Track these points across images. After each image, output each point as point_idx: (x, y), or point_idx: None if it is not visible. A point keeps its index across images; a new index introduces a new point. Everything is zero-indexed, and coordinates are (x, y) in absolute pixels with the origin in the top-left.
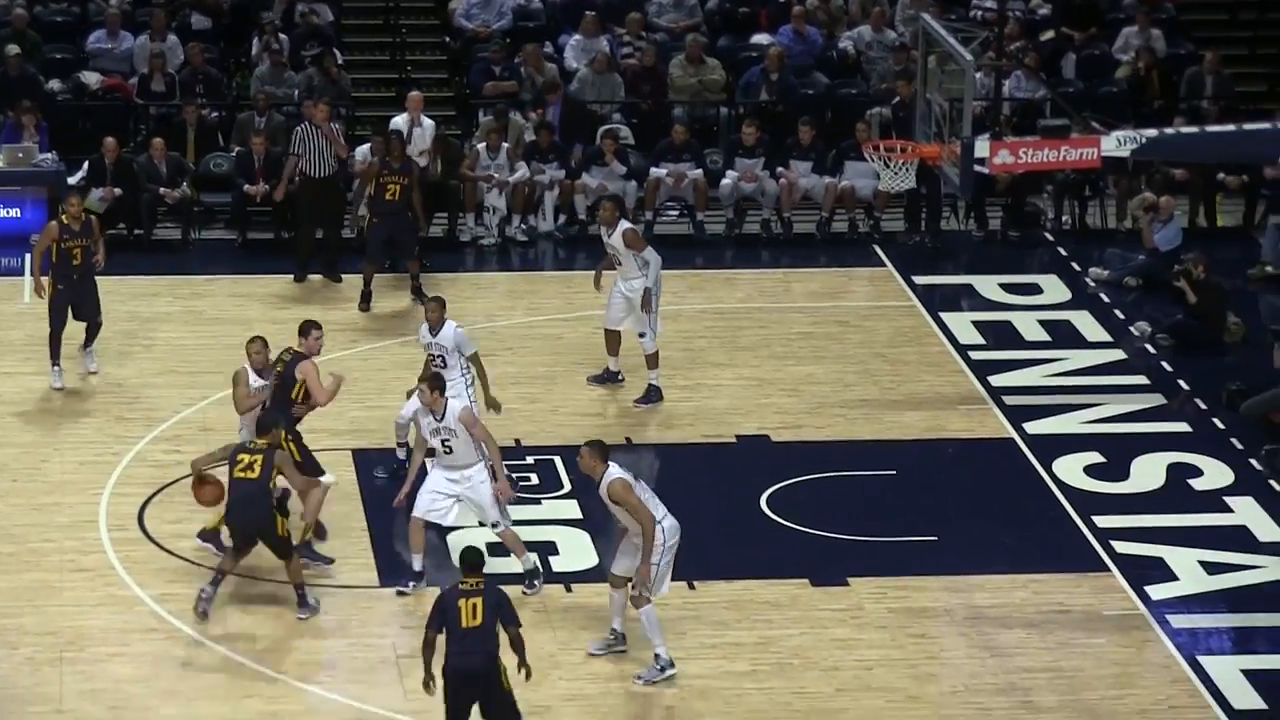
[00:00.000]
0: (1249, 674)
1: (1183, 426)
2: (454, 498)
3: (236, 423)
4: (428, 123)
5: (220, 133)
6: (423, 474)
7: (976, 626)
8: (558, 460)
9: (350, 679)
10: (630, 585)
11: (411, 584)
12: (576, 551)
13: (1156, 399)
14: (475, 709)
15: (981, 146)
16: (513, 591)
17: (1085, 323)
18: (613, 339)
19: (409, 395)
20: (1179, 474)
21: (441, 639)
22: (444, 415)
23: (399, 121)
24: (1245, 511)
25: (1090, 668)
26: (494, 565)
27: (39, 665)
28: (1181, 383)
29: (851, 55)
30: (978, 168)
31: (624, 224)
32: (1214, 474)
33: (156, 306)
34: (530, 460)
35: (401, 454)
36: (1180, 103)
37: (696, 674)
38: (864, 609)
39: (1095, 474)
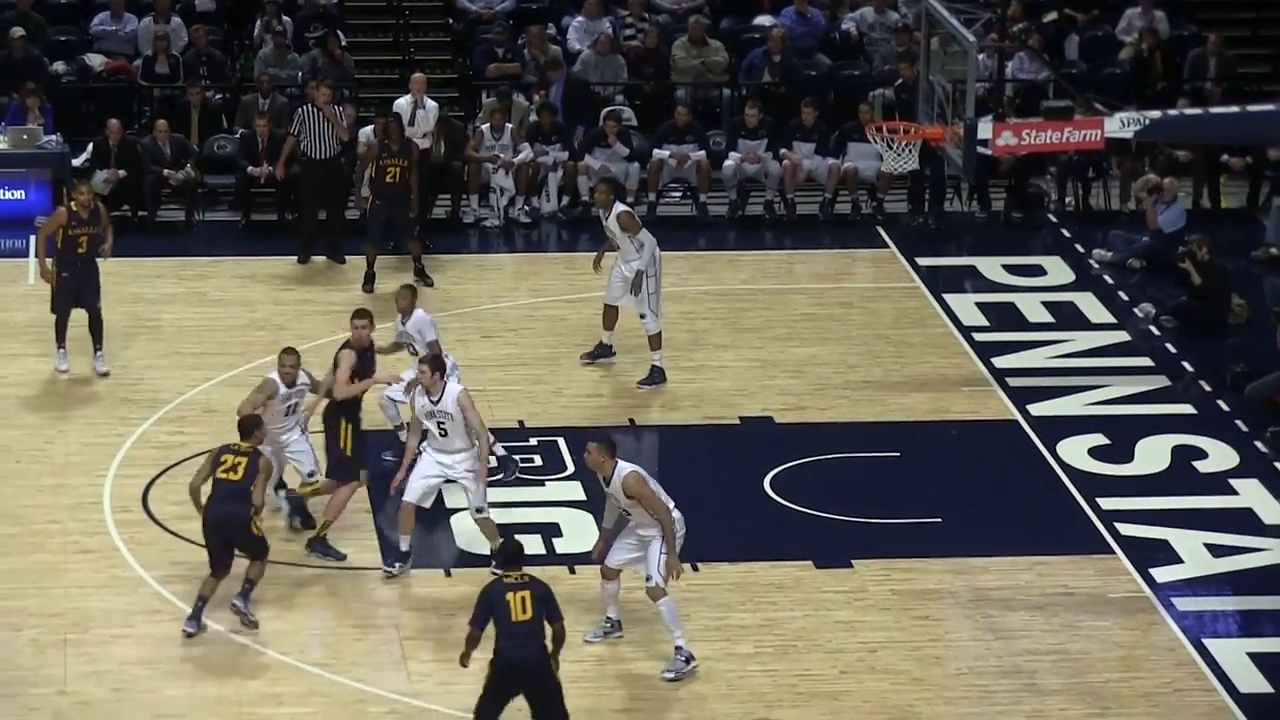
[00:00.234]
0: (1255, 657)
1: (1187, 408)
2: (442, 479)
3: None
4: (431, 104)
5: (224, 114)
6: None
7: (981, 609)
8: (561, 442)
9: (354, 661)
10: (647, 578)
11: (398, 565)
12: (580, 534)
13: (1161, 381)
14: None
15: (984, 128)
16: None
17: (1089, 304)
18: (610, 314)
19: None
20: (1184, 456)
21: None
22: (441, 398)
23: (402, 103)
24: (1250, 494)
25: (1095, 650)
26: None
27: (43, 647)
28: (1186, 364)
29: (854, 36)
30: (981, 149)
31: (619, 206)
32: (1219, 456)
33: (160, 288)
34: (534, 442)
35: (403, 435)
36: (1183, 84)
37: (700, 656)
38: (868, 591)
39: (1100, 456)
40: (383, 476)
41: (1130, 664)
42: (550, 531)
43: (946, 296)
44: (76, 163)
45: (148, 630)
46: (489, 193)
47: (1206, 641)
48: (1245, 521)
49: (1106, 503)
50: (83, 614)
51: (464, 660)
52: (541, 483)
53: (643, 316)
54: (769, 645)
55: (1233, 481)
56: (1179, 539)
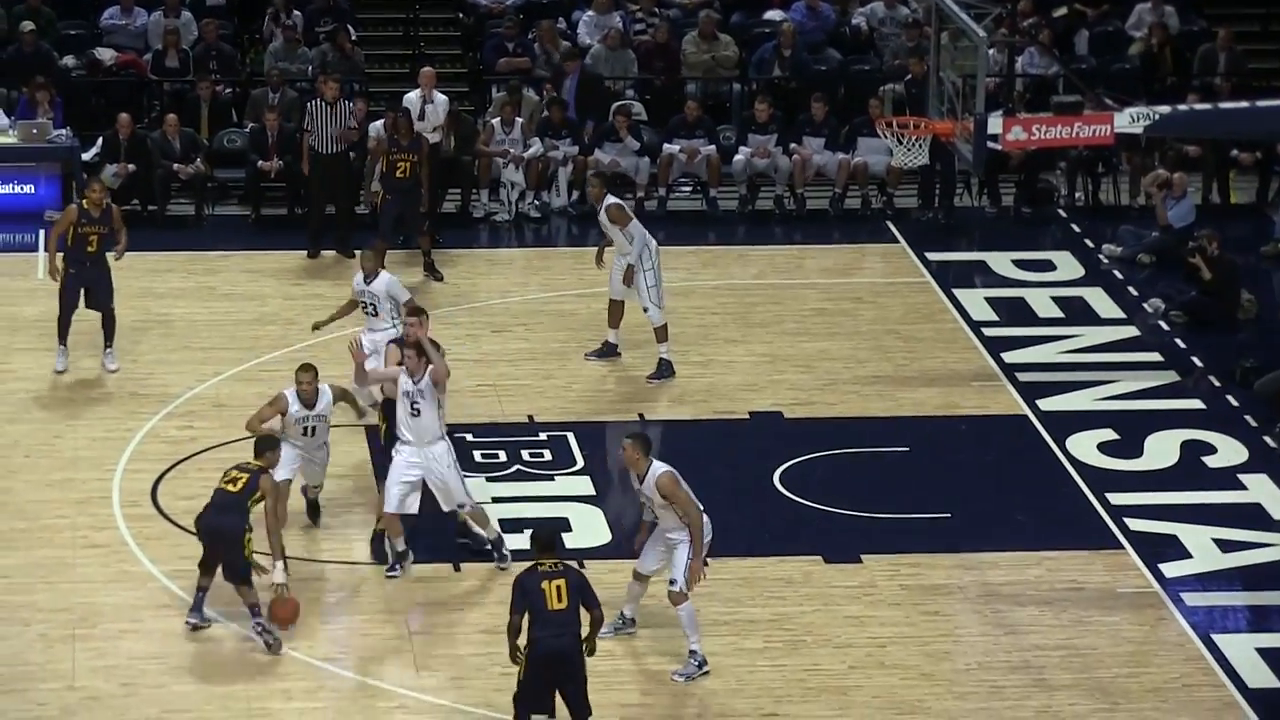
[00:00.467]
0: (1263, 652)
1: (1196, 404)
2: (419, 478)
3: (246, 399)
4: (440, 98)
5: (234, 109)
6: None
7: (990, 604)
8: (570, 436)
9: (363, 656)
10: (670, 581)
11: (398, 567)
12: (590, 528)
13: (1170, 376)
14: None
15: (994, 123)
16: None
17: (1098, 299)
18: (615, 310)
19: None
20: (1193, 451)
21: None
22: (422, 378)
23: (411, 97)
24: (1259, 489)
25: (1104, 646)
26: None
27: (51, 642)
28: (1195, 360)
29: (864, 31)
30: (991, 144)
31: (609, 199)
32: (1228, 451)
33: (170, 282)
34: (543, 436)
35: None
36: (1193, 79)
37: (709, 651)
38: (877, 586)
39: (1109, 451)
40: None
41: (1139, 659)
42: (560, 526)
43: (956, 291)
44: (86, 157)
45: (156, 625)
46: (499, 187)
47: (1215, 637)
48: (1254, 517)
49: (1115, 498)
50: (91, 609)
51: (513, 655)
52: (551, 477)
53: (646, 310)
54: (778, 640)
55: (1242, 477)
56: (1188, 534)
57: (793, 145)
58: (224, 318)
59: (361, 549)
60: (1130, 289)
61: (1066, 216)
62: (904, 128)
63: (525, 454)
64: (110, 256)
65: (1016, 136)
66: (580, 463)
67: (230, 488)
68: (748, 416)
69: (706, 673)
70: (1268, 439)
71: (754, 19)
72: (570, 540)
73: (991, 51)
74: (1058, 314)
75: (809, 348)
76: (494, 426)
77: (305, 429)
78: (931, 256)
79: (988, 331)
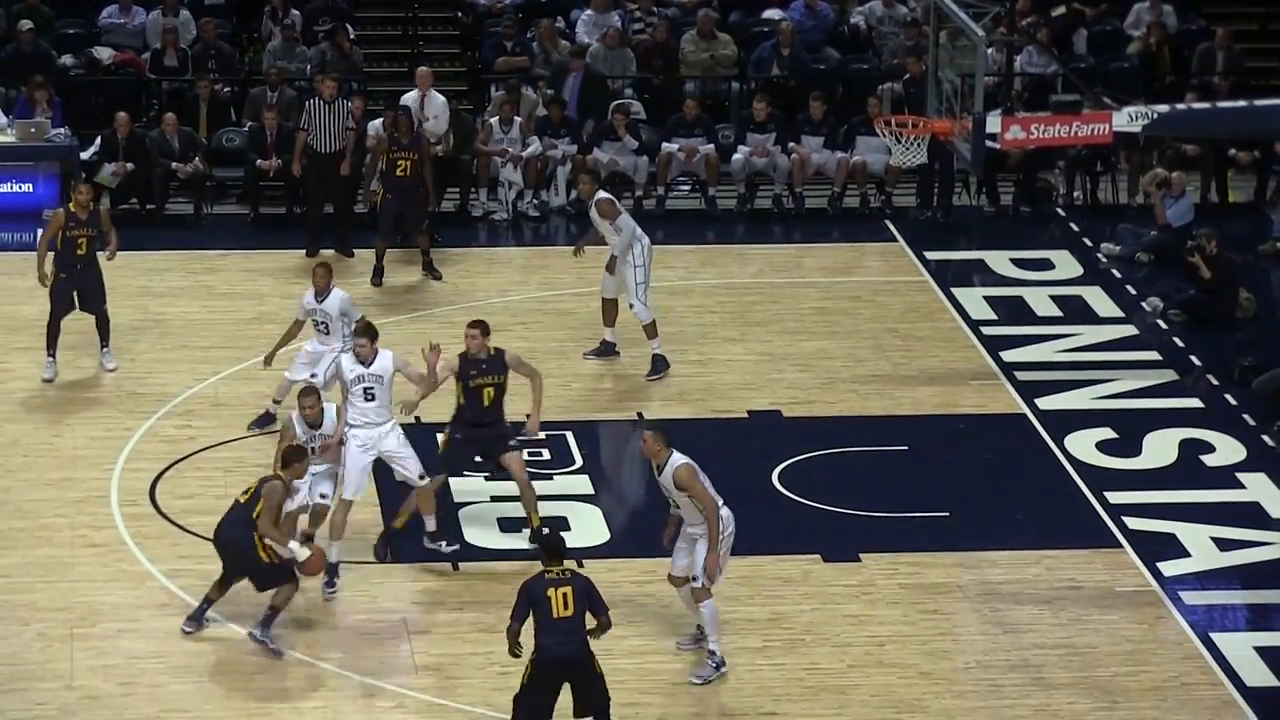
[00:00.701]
0: (1262, 651)
1: (1195, 402)
2: (373, 456)
3: (244, 398)
4: (438, 97)
5: (232, 108)
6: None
7: (989, 603)
8: (569, 435)
9: (362, 655)
10: (692, 578)
11: (337, 581)
12: (588, 528)
13: (1169, 375)
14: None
15: (993, 122)
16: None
17: (1097, 298)
18: (609, 309)
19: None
20: (1191, 450)
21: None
22: (373, 362)
23: (410, 98)
24: (1257, 487)
25: (1103, 644)
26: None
27: (50, 641)
28: (1193, 358)
29: (863, 30)
30: (989, 143)
31: (600, 194)
32: (1226, 450)
33: (168, 281)
34: (542, 435)
35: (275, 409)
36: (1192, 78)
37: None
38: (876, 585)
39: (1107, 450)
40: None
41: (1138, 658)
42: (559, 525)
43: (955, 290)
44: (85, 156)
45: (155, 624)
46: (497, 186)
47: (1214, 635)
48: (1252, 515)
49: (1114, 497)
50: (90, 608)
51: (513, 653)
52: (550, 476)
53: (631, 305)
54: (777, 639)
55: (1240, 475)
56: (1186, 533)
57: (791, 144)
58: (223, 317)
59: (361, 547)
60: (1129, 288)
61: (1065, 215)
62: (902, 127)
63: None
64: (102, 257)
65: (1015, 135)
66: (579, 461)
67: (242, 498)
68: (746, 415)
69: (724, 674)
70: (1266, 438)
71: (753, 18)
72: (569, 540)
73: (990, 50)
74: (1056, 313)
75: (808, 347)
76: None
77: (312, 449)
78: (930, 255)
79: (986, 330)
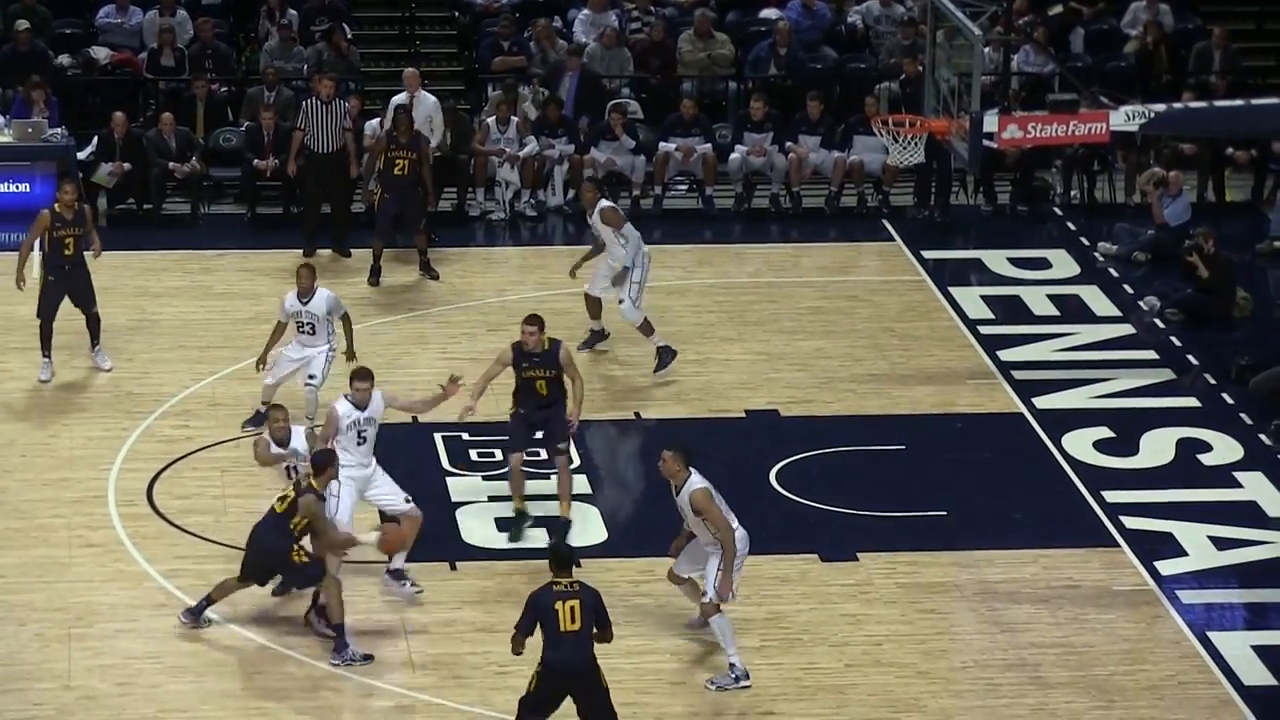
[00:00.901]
0: (1259, 649)
1: (1192, 401)
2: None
3: (242, 398)
4: (428, 98)
5: (229, 107)
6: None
7: (986, 602)
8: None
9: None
10: (703, 594)
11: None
12: (585, 527)
13: (1166, 374)
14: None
15: (990, 121)
16: None
17: (1094, 297)
18: (593, 304)
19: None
20: (1188, 449)
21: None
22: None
23: (399, 100)
24: (1254, 486)
25: (1100, 643)
26: None
27: (47, 641)
28: (1190, 358)
29: (860, 30)
30: (986, 142)
31: (603, 203)
32: (1223, 449)
33: (165, 281)
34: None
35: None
36: (1188, 77)
37: (705, 649)
38: (873, 584)
39: (1104, 449)
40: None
41: (1135, 657)
42: (557, 525)
43: (952, 289)
44: (81, 156)
45: (152, 624)
46: (494, 186)
47: (1211, 634)
48: (1249, 514)
49: (1111, 496)
50: (87, 608)
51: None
52: (547, 476)
53: (621, 302)
54: (775, 639)
55: (1237, 474)
56: (1183, 532)
57: (788, 143)
58: (219, 317)
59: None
60: (1126, 287)
61: (1062, 215)
62: (900, 126)
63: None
64: (89, 256)
65: (1012, 135)
66: (576, 461)
67: (279, 506)
68: (744, 415)
69: (746, 687)
70: (1263, 437)
71: (750, 17)
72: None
73: (987, 50)
74: (1053, 312)
75: (805, 346)
76: (490, 425)
77: (287, 469)
78: (927, 255)
79: (983, 329)
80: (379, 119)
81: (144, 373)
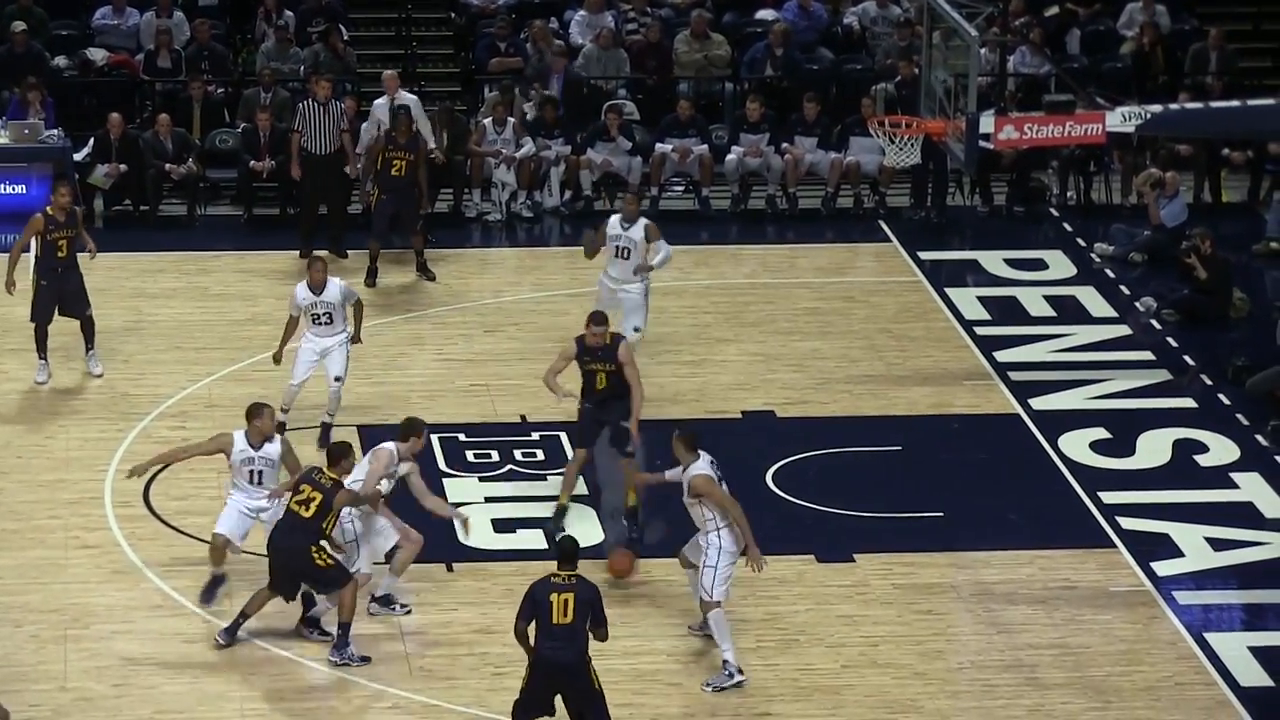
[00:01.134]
0: (1256, 650)
1: (1189, 402)
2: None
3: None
4: (409, 98)
5: (226, 109)
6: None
7: (983, 603)
8: (563, 436)
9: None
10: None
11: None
12: (582, 528)
13: (1162, 375)
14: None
15: (986, 122)
16: None
17: (1091, 298)
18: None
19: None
20: (1185, 450)
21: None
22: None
23: (379, 104)
24: (1251, 487)
25: (1097, 644)
26: None
27: (44, 643)
28: (1187, 358)
29: (856, 30)
30: (983, 143)
31: (644, 218)
32: (1220, 450)
33: (162, 282)
34: (536, 436)
35: (284, 417)
36: (1184, 78)
37: (702, 649)
38: (870, 585)
39: (1101, 450)
40: None
41: (1132, 658)
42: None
43: (948, 290)
44: (78, 157)
45: (149, 625)
46: (491, 187)
47: (1208, 635)
48: (1246, 515)
49: (1108, 496)
50: (84, 609)
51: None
52: (544, 477)
53: (636, 330)
54: (771, 640)
55: (1234, 475)
56: (1180, 533)
57: (785, 144)
58: (216, 318)
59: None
60: (1122, 288)
61: (1058, 215)
62: (896, 127)
63: (518, 454)
64: (84, 258)
65: (1008, 135)
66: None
67: (303, 511)
68: (740, 416)
69: (740, 684)
70: (1259, 437)
71: (746, 18)
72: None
73: (983, 50)
74: (1050, 313)
75: (801, 347)
76: (487, 426)
77: (251, 474)
78: (924, 255)
79: (980, 330)
80: (378, 123)
81: (140, 374)
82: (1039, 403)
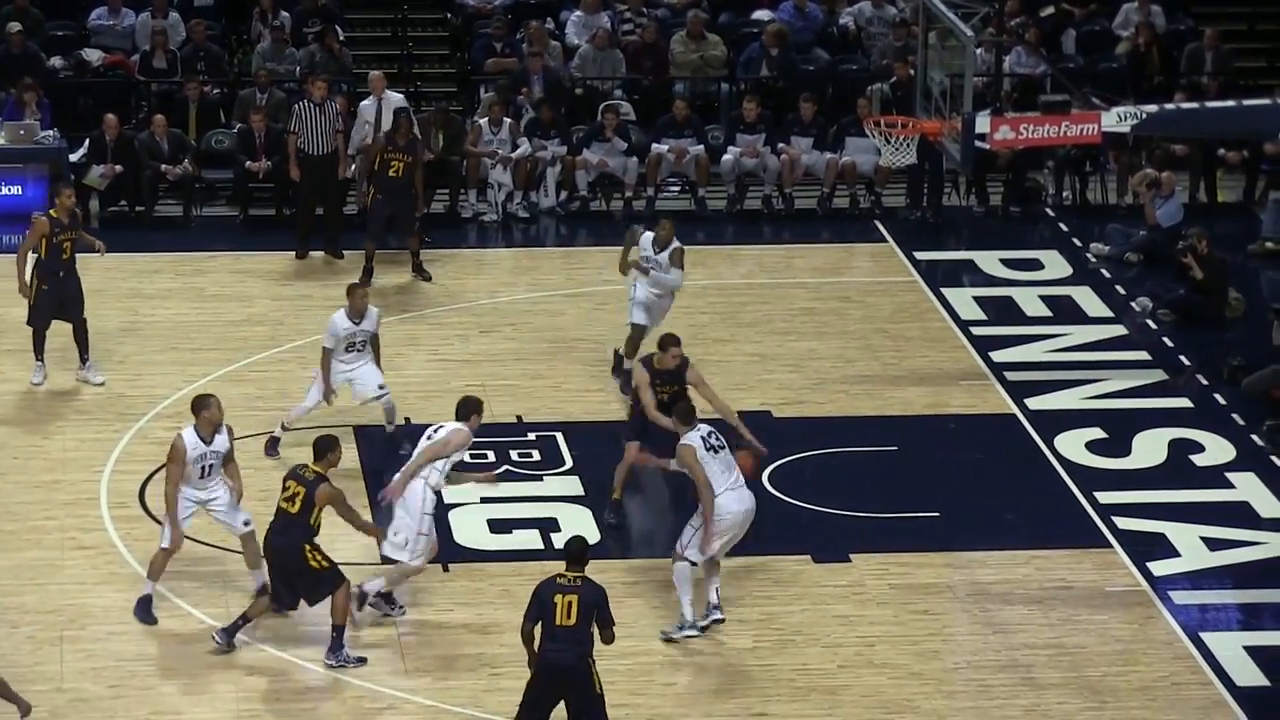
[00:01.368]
0: (1251, 650)
1: (1184, 402)
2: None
3: (234, 400)
4: (394, 97)
5: (222, 109)
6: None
7: (979, 603)
8: (559, 436)
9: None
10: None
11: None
12: (578, 528)
13: (1158, 375)
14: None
15: (982, 122)
16: None
17: (1086, 298)
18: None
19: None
20: (1181, 450)
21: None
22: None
23: (366, 105)
24: (1247, 487)
25: (1093, 644)
26: None
27: (40, 644)
28: (1183, 358)
29: (852, 31)
30: (978, 143)
31: (676, 241)
32: (1215, 450)
33: (158, 283)
34: (532, 436)
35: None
36: (1180, 78)
37: (697, 649)
38: (866, 585)
39: (1097, 450)
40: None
41: (1128, 658)
42: (549, 526)
43: (944, 290)
44: (74, 158)
45: (145, 626)
46: (487, 188)
47: (1203, 635)
48: (1242, 515)
49: (1104, 496)
50: (80, 610)
51: (531, 662)
52: (539, 477)
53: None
54: (767, 640)
55: (1229, 475)
56: (1176, 533)
57: (781, 145)
58: (212, 319)
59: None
60: (1118, 288)
61: (1054, 215)
62: (892, 127)
63: (514, 454)
64: (89, 260)
65: (1004, 135)
66: (569, 463)
67: (289, 508)
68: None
69: (691, 636)
70: (1255, 437)
71: (742, 18)
72: (559, 540)
73: (979, 51)
74: (1046, 313)
75: (797, 347)
76: (482, 426)
77: (203, 469)
78: (920, 256)
79: (976, 330)
80: (365, 125)
81: (136, 375)
82: (1035, 403)
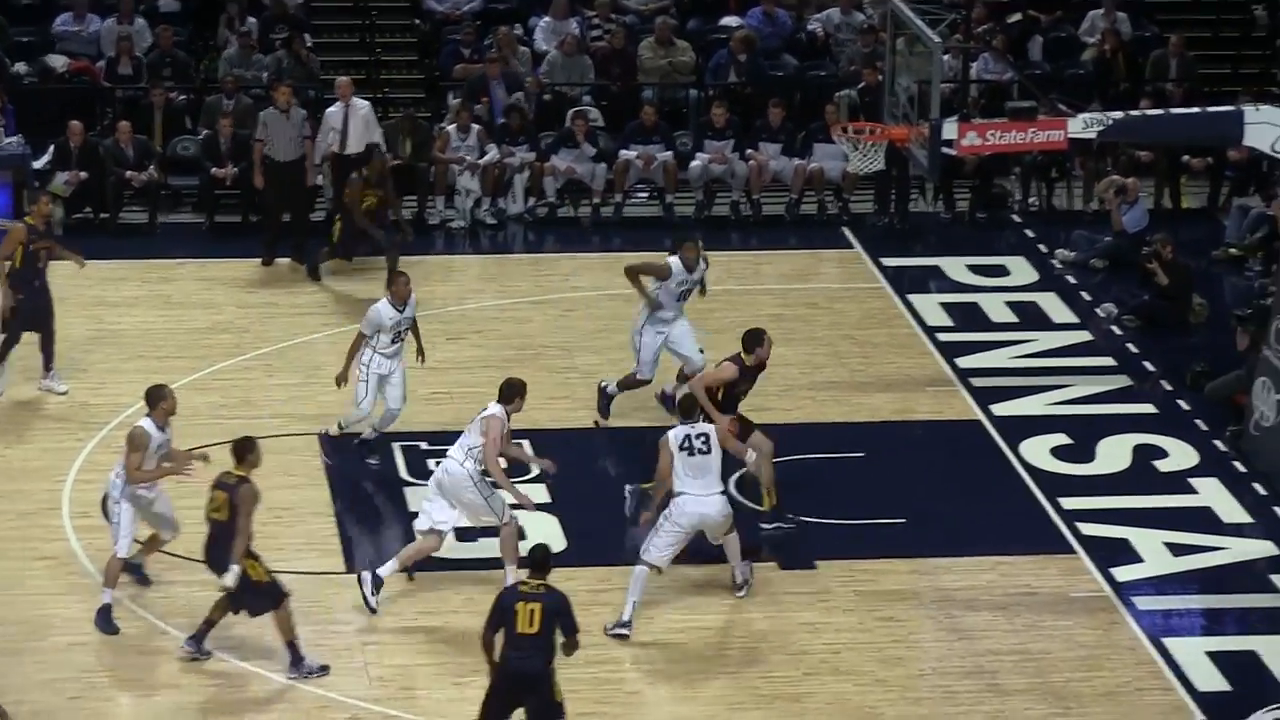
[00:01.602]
0: (1213, 655)
1: (1148, 408)
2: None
3: (199, 408)
4: (361, 104)
5: (187, 116)
6: None
7: (944, 609)
8: (526, 444)
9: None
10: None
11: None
12: (544, 536)
13: (1123, 380)
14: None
15: (949, 128)
16: None
17: (1052, 304)
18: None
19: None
20: (1144, 455)
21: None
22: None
23: (333, 110)
24: (1210, 493)
25: (1057, 650)
26: None
27: (1, 655)
28: (1147, 364)
29: (820, 37)
30: (945, 149)
31: (705, 256)
32: (1179, 455)
33: (123, 290)
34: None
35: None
36: (1145, 85)
37: (663, 658)
38: (831, 592)
39: (1061, 455)
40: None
41: (1091, 663)
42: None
43: (911, 297)
44: (38, 165)
45: (107, 637)
46: (454, 194)
47: (1166, 640)
48: (1205, 520)
49: (1068, 502)
50: (41, 621)
51: (490, 671)
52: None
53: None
54: (732, 647)
55: (1193, 480)
56: (1140, 538)
57: (749, 151)
58: (177, 326)
59: (315, 557)
60: (1084, 294)
61: (1020, 222)
62: (860, 133)
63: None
64: (68, 267)
65: (971, 142)
66: (534, 470)
67: (218, 515)
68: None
69: (620, 636)
70: (1218, 443)
71: (710, 25)
72: (524, 548)
73: (946, 57)
74: (1012, 319)
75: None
76: (450, 434)
77: (157, 460)
78: (887, 262)
79: (942, 336)
80: (330, 131)
81: (100, 383)
82: (1000, 408)
